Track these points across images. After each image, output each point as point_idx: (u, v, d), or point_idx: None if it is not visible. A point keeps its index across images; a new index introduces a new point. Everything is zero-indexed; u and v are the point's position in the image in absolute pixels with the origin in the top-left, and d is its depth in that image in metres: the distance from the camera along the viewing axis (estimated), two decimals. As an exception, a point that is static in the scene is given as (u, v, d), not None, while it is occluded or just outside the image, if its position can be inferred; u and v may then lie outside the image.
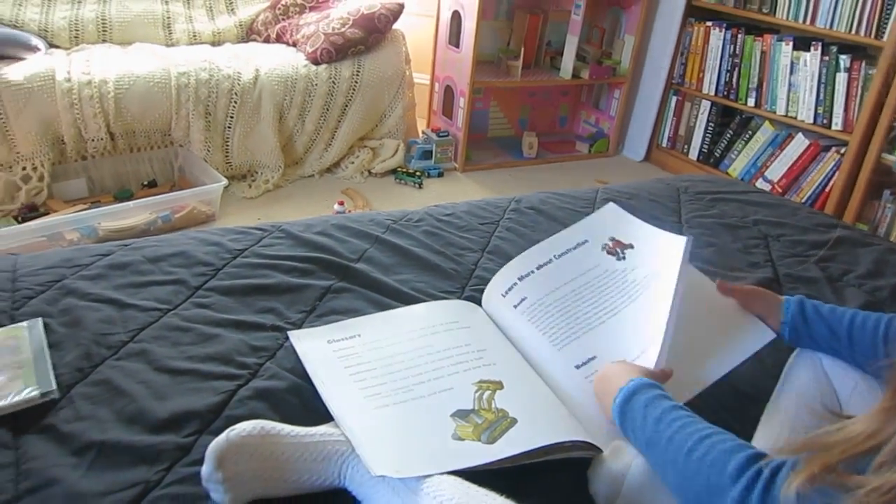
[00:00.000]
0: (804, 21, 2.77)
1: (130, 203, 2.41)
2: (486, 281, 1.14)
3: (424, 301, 1.07)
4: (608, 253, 1.10)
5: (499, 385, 0.90)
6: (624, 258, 1.08)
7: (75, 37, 2.87)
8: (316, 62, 2.89)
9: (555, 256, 1.12)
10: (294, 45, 3.05)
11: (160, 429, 0.77)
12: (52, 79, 2.47)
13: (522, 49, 3.19)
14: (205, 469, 0.67)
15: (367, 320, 0.99)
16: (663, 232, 1.08)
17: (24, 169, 2.50)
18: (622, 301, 0.99)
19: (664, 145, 3.47)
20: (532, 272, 1.08)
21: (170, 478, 0.71)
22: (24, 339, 0.86)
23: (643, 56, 3.38)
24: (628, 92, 3.43)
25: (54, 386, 0.78)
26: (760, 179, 3.04)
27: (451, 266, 1.18)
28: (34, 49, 2.58)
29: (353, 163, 3.08)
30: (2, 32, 2.54)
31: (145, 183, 2.72)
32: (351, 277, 1.10)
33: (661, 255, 1.04)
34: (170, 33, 3.04)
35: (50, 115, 2.48)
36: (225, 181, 2.55)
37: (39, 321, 0.90)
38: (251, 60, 2.84)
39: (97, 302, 0.96)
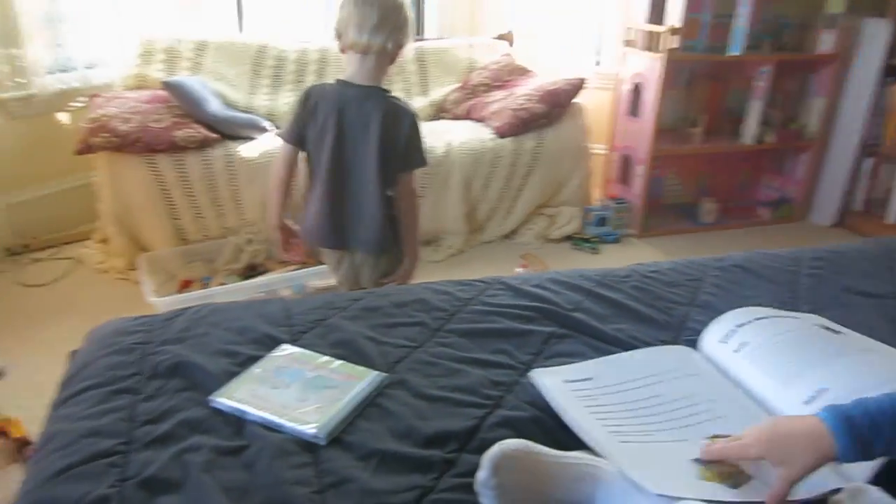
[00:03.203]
0: None
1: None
2: (698, 332, 1.18)
3: (641, 348, 1.13)
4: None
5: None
6: None
7: (294, 120, 3.29)
8: (502, 136, 3.09)
9: (773, 313, 1.13)
10: (481, 120, 3.28)
11: (427, 444, 0.88)
12: (277, 156, 2.85)
13: (704, 116, 3.20)
14: (482, 475, 0.77)
15: (595, 364, 1.07)
16: None
17: (248, 233, 2.87)
18: (862, 345, 0.99)
19: (857, 209, 3.28)
20: (751, 321, 1.11)
21: (441, 485, 0.82)
22: (358, 384, 0.99)
23: (833, 118, 3.26)
24: (816, 156, 3.30)
25: (324, 435, 0.90)
26: (980, 246, 2.78)
27: (663, 318, 1.24)
28: (264, 130, 3.00)
29: (531, 229, 3.21)
30: (242, 117, 2.99)
31: (347, 247, 3.01)
32: (571, 326, 1.19)
33: None
34: (370, 114, 3.39)
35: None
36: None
37: (383, 378, 1.02)
38: (443, 136, 3.09)
39: (361, 338, 1.12)
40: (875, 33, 3.05)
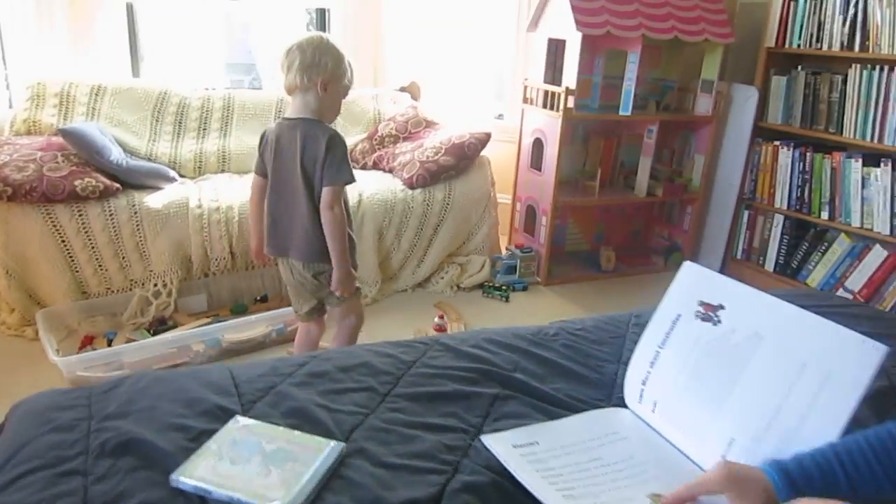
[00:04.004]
0: (871, 140, 2.94)
1: (252, 317, 2.63)
2: (627, 388, 1.28)
3: (580, 407, 1.21)
4: (703, 320, 1.18)
5: None
6: (720, 321, 1.16)
7: (199, 167, 3.23)
8: (412, 187, 3.17)
9: (659, 347, 1.23)
10: (391, 171, 3.35)
11: (396, 514, 0.91)
12: (186, 206, 2.79)
13: (599, 170, 3.43)
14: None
15: (539, 429, 1.14)
16: (749, 288, 1.17)
17: (155, 286, 2.77)
18: (733, 372, 1.10)
19: (739, 257, 3.60)
20: (649, 373, 1.21)
21: (415, 555, 0.85)
22: (319, 455, 1.00)
23: (713, 174, 3.59)
24: (700, 207, 3.61)
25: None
26: (841, 290, 3.13)
27: (594, 376, 1.33)
28: (171, 180, 2.92)
29: (443, 278, 3.29)
30: (147, 166, 2.90)
31: (258, 298, 2.97)
32: (513, 386, 1.26)
33: (758, 314, 1.13)
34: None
35: (182, 237, 2.77)
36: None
37: (342, 448, 1.04)
38: (354, 186, 3.13)
39: (313, 406, 1.13)
40: (745, 98, 3.41)
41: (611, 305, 3.17)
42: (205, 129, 3.32)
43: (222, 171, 3.27)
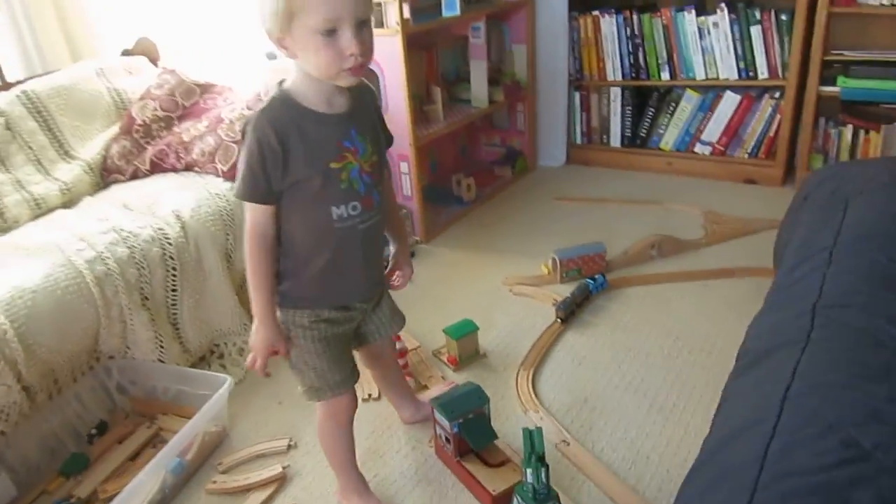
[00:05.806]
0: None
1: (129, 487, 1.55)
2: None
3: None
4: None
5: None
6: None
7: None
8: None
9: None
10: (190, 168, 2.30)
11: None
12: None
13: (439, 90, 2.80)
14: None
15: None
16: None
17: None
18: None
19: (580, 143, 3.37)
20: None
21: None
22: None
23: (535, 62, 3.21)
24: (530, 102, 3.24)
25: None
26: (698, 144, 3.09)
27: None
28: None
29: (317, 283, 2.44)
30: None
31: (93, 432, 1.84)
32: None
33: None
34: (0, 213, 2.10)
35: (-80, 403, 1.52)
36: (229, 378, 1.82)
37: None
38: (158, 207, 2.07)
39: None
40: (549, -29, 3.04)
41: (511, 240, 2.71)
42: None
43: None
